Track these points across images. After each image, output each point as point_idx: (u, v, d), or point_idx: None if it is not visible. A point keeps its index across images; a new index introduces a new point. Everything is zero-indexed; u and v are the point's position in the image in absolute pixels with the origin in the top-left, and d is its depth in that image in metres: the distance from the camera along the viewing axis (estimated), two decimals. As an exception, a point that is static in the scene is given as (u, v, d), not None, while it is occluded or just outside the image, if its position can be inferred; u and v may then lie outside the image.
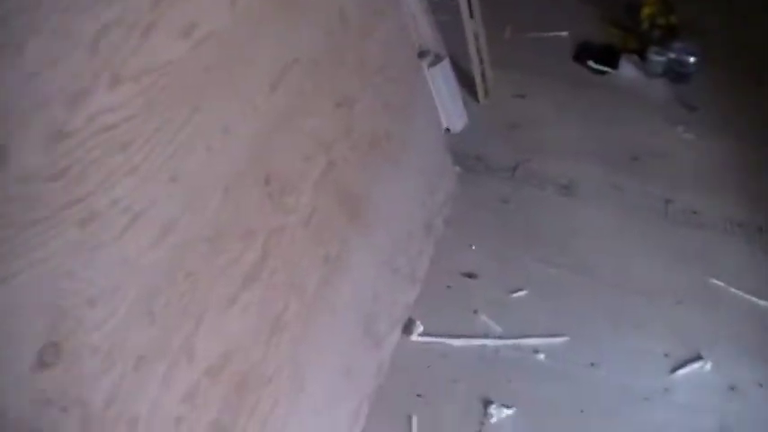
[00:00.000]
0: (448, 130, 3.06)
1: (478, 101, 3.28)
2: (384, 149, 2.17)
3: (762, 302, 2.54)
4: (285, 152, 1.70)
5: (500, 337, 2.29)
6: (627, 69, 3.63)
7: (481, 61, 3.15)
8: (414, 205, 2.37)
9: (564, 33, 3.85)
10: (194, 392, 1.40)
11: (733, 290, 2.56)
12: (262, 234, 1.59)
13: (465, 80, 3.28)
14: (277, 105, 1.67)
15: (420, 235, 2.39)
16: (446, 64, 2.96)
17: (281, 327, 1.65)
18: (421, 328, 2.24)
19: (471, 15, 2.99)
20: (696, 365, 2.32)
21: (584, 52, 3.72)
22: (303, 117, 1.77)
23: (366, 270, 2.04)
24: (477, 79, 3.18)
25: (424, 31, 2.95)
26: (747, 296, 2.55)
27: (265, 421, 1.59)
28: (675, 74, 3.62)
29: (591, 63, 3.65)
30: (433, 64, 2.93)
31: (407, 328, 2.24)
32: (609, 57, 3.69)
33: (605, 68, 3.64)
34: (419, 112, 2.42)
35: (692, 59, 3.60)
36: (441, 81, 2.93)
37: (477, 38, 3.07)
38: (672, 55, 3.60)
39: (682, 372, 2.30)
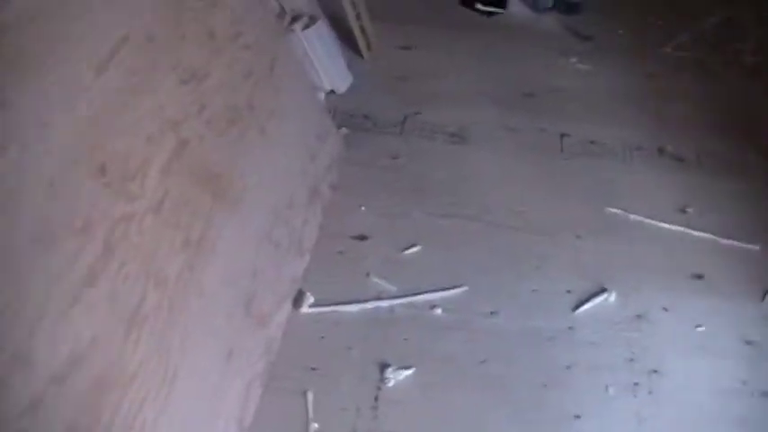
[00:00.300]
0: (333, 91, 2.99)
1: (363, 57, 3.21)
2: (248, 121, 2.10)
3: (661, 224, 2.56)
4: (123, 136, 1.63)
5: (394, 297, 2.25)
6: (516, 7, 3.60)
7: (358, 16, 3.08)
8: (292, 174, 2.31)
9: (452, -22, 3.79)
10: (38, 403, 1.33)
11: (632, 216, 2.57)
12: (102, 226, 1.52)
13: (350, 38, 3.21)
14: (107, 88, 1.60)
15: (303, 204, 2.34)
16: (321, 25, 2.90)
17: (140, 320, 1.58)
18: (311, 300, 2.19)
19: (340, -30, 2.92)
20: (600, 299, 2.32)
21: (471, -5, 3.67)
22: (142, 97, 1.70)
23: (239, 248, 1.98)
24: (357, 34, 3.13)
25: (295, -6, 2.88)
26: (647, 220, 2.56)
27: (132, 418, 1.53)
28: (566, 5, 3.62)
29: (479, 6, 3.62)
30: (306, 26, 2.86)
31: (297, 301, 2.19)
32: (496, -3, 3.64)
33: (494, 9, 3.62)
34: (287, 78, 2.36)
35: (581, -12, 3.56)
36: (317, 43, 2.87)
37: (350, -7, 3.00)
38: (561, -15, 3.57)
39: (585, 307, 2.30)
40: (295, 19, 2.89)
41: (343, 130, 2.83)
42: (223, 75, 2.05)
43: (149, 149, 1.69)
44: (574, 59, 3.37)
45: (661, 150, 2.90)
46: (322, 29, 2.92)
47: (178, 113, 1.82)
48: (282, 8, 2.90)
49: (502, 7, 3.67)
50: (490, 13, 3.64)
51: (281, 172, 2.26)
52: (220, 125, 1.99)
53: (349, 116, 2.93)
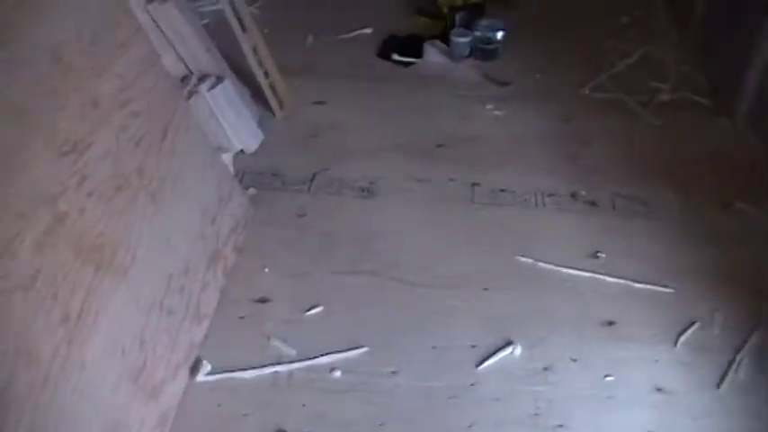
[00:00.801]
0: (243, 151, 3.03)
1: (275, 115, 3.26)
2: (137, 188, 2.13)
3: (572, 272, 2.58)
4: (-10, 215, 1.64)
5: (294, 361, 2.26)
6: (432, 56, 3.68)
7: (266, 74, 3.13)
8: (188, 239, 2.33)
9: (368, 30, 3.88)
10: None
11: (542, 265, 2.60)
12: (-37, 307, 1.54)
13: (263, 95, 3.25)
14: (-27, 165, 1.62)
15: (202, 269, 2.36)
16: (227, 85, 2.95)
17: (8, 400, 1.59)
18: (208, 368, 2.20)
19: (244, 30, 2.97)
20: (505, 352, 2.33)
21: (388, 46, 3.75)
22: (11, 173, 1.72)
23: (126, 319, 1.99)
24: (267, 93, 3.18)
25: (200, 56, 2.92)
26: (558, 268, 2.60)
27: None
28: (483, 52, 3.70)
29: (395, 56, 3.68)
30: (213, 87, 2.90)
31: (194, 368, 2.20)
32: (414, 47, 3.73)
33: (410, 59, 3.69)
34: (183, 143, 2.39)
35: (498, 35, 3.65)
36: (224, 103, 2.92)
37: (256, 51, 3.05)
38: (477, 33, 3.65)
39: (490, 362, 2.31)
40: (202, 80, 2.94)
41: (251, 190, 2.87)
42: (109, 143, 2.07)
43: (19, 226, 1.70)
44: (490, 106, 3.45)
45: (574, 195, 2.95)
46: (229, 88, 2.97)
47: (55, 187, 1.84)
48: (189, 70, 2.95)
49: (418, 57, 3.74)
50: (407, 64, 3.71)
51: (176, 238, 2.28)
52: (106, 194, 2.01)
53: (258, 175, 2.97)
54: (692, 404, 2.22)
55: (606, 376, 2.29)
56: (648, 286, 2.58)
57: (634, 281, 2.60)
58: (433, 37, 3.84)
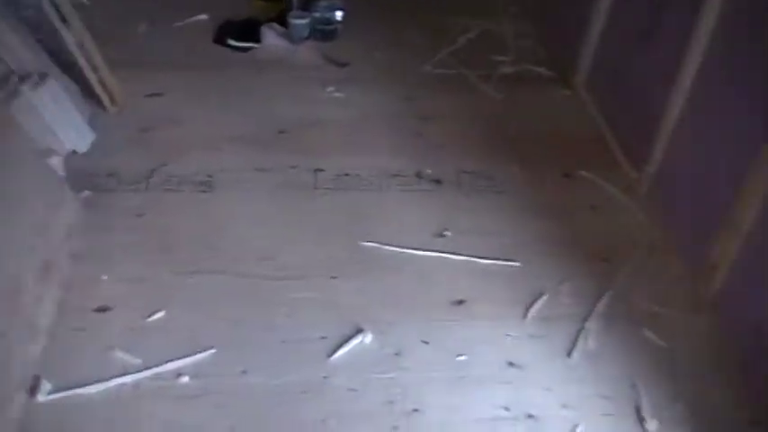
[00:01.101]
0: (75, 151, 2.92)
1: (107, 110, 3.16)
2: (-47, 206, 2.02)
3: (418, 252, 2.61)
4: None
5: (139, 371, 2.20)
6: (270, 39, 3.65)
7: (95, 69, 3.02)
8: (16, 253, 2.24)
9: (203, 16, 3.81)
10: None
11: (388, 248, 2.62)
12: None
13: (93, 91, 3.14)
14: None
15: (33, 283, 2.26)
16: (52, 83, 2.83)
17: None
18: (48, 386, 2.12)
19: (65, 22, 2.85)
20: (356, 341, 2.34)
21: (224, 32, 3.69)
22: None
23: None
24: (97, 88, 3.08)
25: (20, 53, 2.80)
26: (404, 250, 2.63)
27: None
28: (322, 33, 3.70)
29: (231, 42, 3.62)
30: (36, 86, 2.78)
31: (33, 389, 2.11)
32: (251, 31, 3.70)
33: (248, 44, 3.64)
34: (3, 150, 2.28)
35: (337, 15, 3.65)
36: (49, 102, 2.80)
37: (81, 45, 2.94)
38: (316, 14, 3.63)
39: (341, 352, 2.31)
40: (23, 79, 2.81)
41: (85, 192, 2.76)
42: None
43: None
44: (331, 88, 3.44)
45: (419, 174, 2.98)
46: (54, 86, 2.86)
47: None
48: (10, 68, 2.82)
49: (256, 41, 3.69)
50: (245, 49, 3.66)
51: (2, 254, 2.18)
52: None
53: (92, 176, 2.87)
54: (545, 375, 2.30)
55: (459, 356, 2.33)
56: (496, 261, 2.65)
57: (481, 257, 2.65)
58: (271, 20, 3.80)
